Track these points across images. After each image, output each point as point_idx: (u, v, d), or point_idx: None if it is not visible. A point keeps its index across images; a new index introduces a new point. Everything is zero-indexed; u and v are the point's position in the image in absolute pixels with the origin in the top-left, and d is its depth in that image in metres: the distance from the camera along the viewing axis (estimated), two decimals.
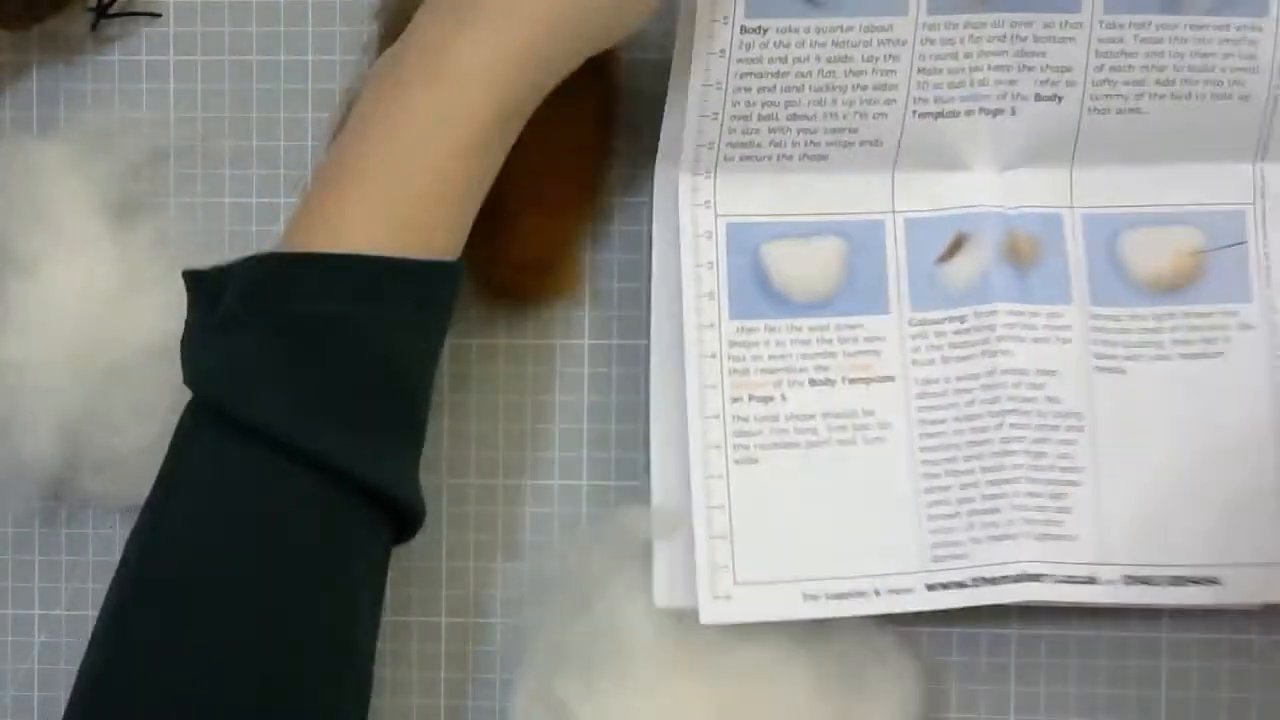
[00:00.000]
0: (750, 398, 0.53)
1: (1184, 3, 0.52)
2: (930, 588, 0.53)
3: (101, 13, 0.55)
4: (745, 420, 0.53)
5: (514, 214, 0.52)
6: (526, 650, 0.53)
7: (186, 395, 0.54)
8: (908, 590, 0.52)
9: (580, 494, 0.55)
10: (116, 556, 0.55)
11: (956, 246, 0.54)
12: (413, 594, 0.55)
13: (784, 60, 0.52)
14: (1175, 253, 0.54)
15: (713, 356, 0.53)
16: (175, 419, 0.54)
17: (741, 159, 0.53)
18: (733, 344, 0.53)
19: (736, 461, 0.53)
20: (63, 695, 0.56)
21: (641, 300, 0.55)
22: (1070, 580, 0.52)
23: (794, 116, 0.53)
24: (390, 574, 0.55)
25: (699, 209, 0.53)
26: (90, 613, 0.56)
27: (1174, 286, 0.54)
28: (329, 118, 0.55)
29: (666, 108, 0.53)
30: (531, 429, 0.55)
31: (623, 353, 0.55)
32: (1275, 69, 0.53)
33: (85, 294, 0.53)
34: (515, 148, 0.53)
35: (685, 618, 0.51)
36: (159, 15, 0.56)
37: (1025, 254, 0.54)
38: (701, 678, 0.51)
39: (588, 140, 0.53)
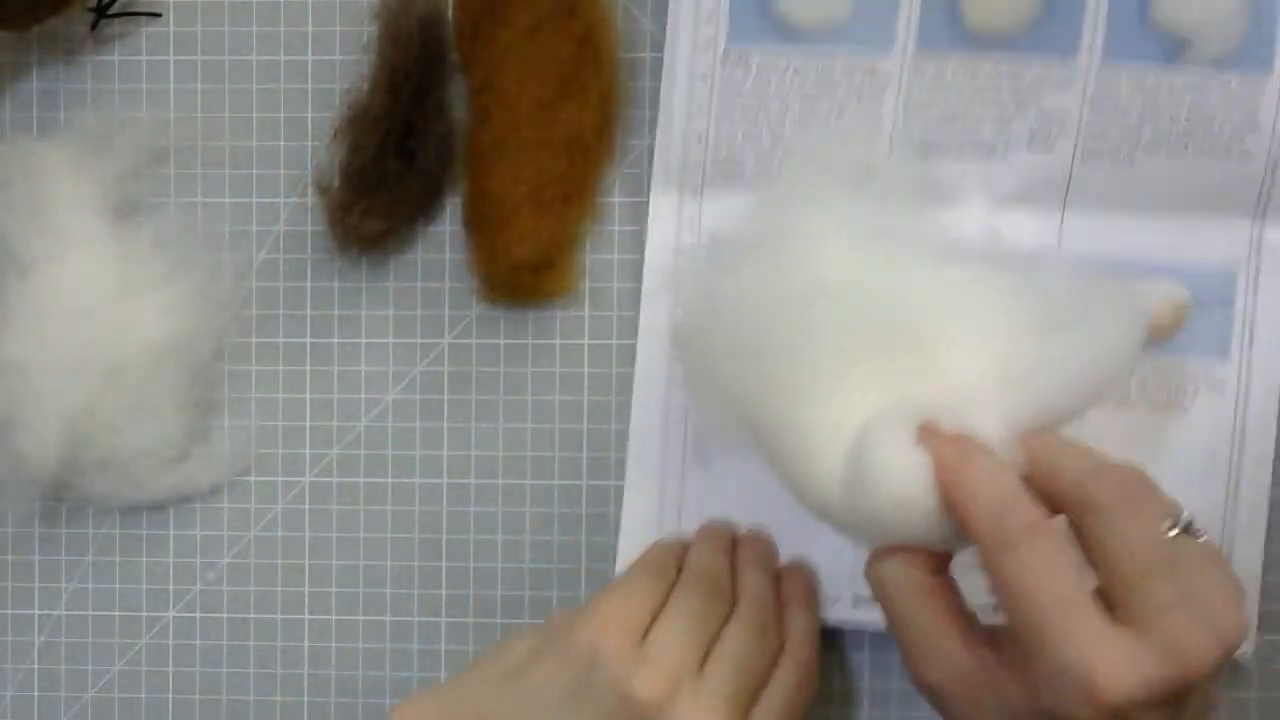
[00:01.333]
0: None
1: (1186, 54, 0.52)
2: (855, 602, 0.53)
3: (101, 13, 0.55)
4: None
5: (514, 214, 0.52)
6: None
7: (186, 394, 0.55)
8: (837, 599, 0.53)
9: (580, 494, 0.55)
10: (117, 557, 0.56)
11: None
12: (413, 594, 0.55)
13: (766, 88, 0.53)
14: (1156, 304, 0.53)
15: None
16: (176, 418, 0.54)
17: (727, 180, 0.53)
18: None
19: (691, 466, 0.54)
20: (63, 695, 0.56)
21: (641, 300, 0.55)
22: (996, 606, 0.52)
23: (778, 142, 0.53)
24: (391, 573, 0.55)
25: (685, 224, 0.54)
26: (90, 613, 0.56)
27: (1151, 338, 0.53)
28: (329, 118, 0.55)
29: (659, 123, 0.53)
30: (531, 429, 0.55)
31: (622, 353, 0.55)
32: (1279, 127, 0.52)
33: (85, 294, 0.53)
34: (515, 147, 0.53)
35: None
36: (159, 15, 0.56)
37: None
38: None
39: (588, 140, 0.53)
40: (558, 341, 0.55)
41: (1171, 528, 0.40)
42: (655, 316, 0.54)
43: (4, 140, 0.56)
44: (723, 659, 0.46)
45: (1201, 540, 0.40)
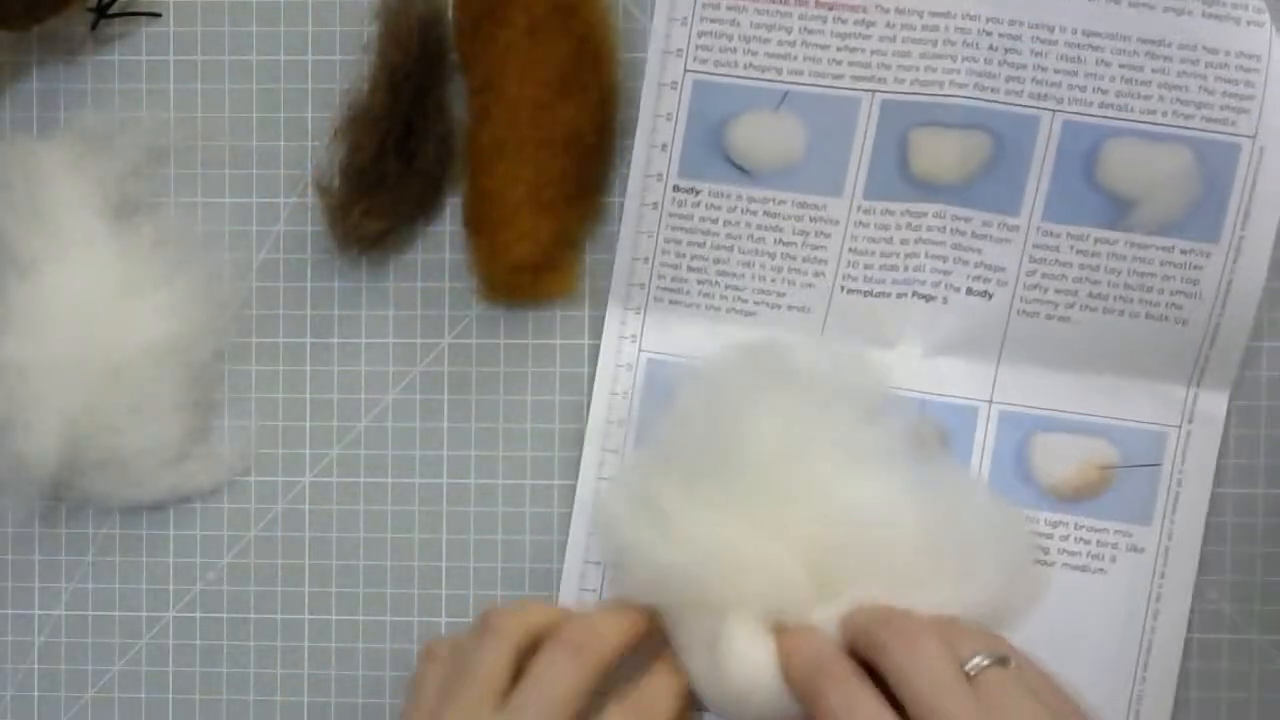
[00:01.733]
0: None
1: (1129, 220, 0.52)
2: None
3: (101, 13, 0.55)
4: None
5: (514, 214, 0.52)
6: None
7: (187, 394, 0.55)
8: None
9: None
10: (117, 557, 0.56)
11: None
12: (413, 594, 0.55)
13: (714, 221, 0.53)
14: (1084, 464, 0.53)
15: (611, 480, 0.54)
16: (176, 418, 0.54)
17: (670, 302, 0.54)
18: (632, 469, 0.54)
19: (613, 579, 0.54)
20: (63, 695, 0.56)
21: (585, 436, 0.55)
22: None
23: (723, 273, 0.54)
24: (391, 573, 0.55)
25: (625, 341, 0.54)
26: (90, 613, 0.56)
27: (1075, 497, 0.53)
28: (329, 118, 0.55)
29: (619, 242, 0.54)
30: (531, 429, 0.55)
31: None
32: (1220, 296, 0.52)
33: (85, 294, 0.53)
34: (516, 146, 0.53)
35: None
36: (159, 15, 0.56)
37: (929, 444, 0.53)
38: (810, 506, 0.50)
39: (588, 140, 0.53)
40: (558, 341, 0.55)
41: (983, 660, 0.46)
42: (593, 455, 0.55)
43: (4, 140, 0.56)
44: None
45: (1012, 668, 0.46)
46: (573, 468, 0.55)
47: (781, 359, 0.52)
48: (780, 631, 0.48)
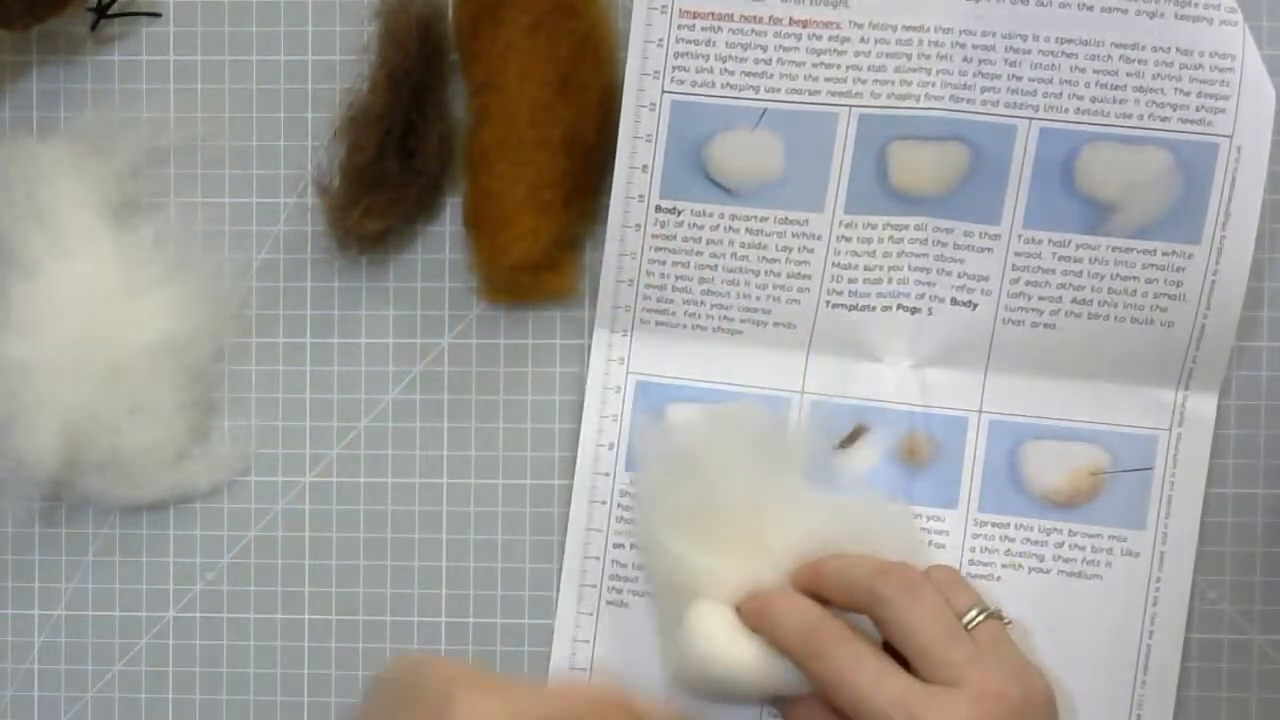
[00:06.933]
0: (631, 545, 0.54)
1: (1110, 224, 0.52)
2: None
3: (101, 13, 0.55)
4: (624, 566, 0.54)
5: (514, 214, 0.52)
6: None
7: (186, 394, 0.55)
8: None
9: None
10: (117, 557, 0.56)
11: (855, 436, 0.54)
12: (413, 594, 0.55)
13: (698, 240, 0.54)
14: (1075, 470, 0.53)
15: (603, 503, 0.54)
16: (176, 418, 0.54)
17: (657, 324, 0.54)
18: (624, 494, 0.54)
19: (608, 602, 0.54)
20: (63, 695, 0.56)
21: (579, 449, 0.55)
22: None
23: (708, 292, 0.54)
24: (391, 573, 0.55)
25: (613, 364, 0.54)
26: (90, 613, 0.56)
27: (1068, 503, 0.53)
28: (329, 118, 0.55)
29: (603, 266, 0.54)
30: (531, 429, 0.55)
31: None
32: (1204, 297, 0.52)
33: (85, 294, 0.53)
34: (515, 147, 0.53)
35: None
36: (159, 15, 0.56)
37: (920, 456, 0.54)
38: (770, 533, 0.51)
39: (588, 140, 0.53)
40: (558, 341, 0.55)
41: (979, 614, 0.48)
42: (587, 457, 0.55)
43: (4, 140, 0.56)
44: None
45: (1007, 623, 0.49)
46: (572, 468, 0.55)
47: (743, 424, 0.53)
48: (748, 599, 0.50)
